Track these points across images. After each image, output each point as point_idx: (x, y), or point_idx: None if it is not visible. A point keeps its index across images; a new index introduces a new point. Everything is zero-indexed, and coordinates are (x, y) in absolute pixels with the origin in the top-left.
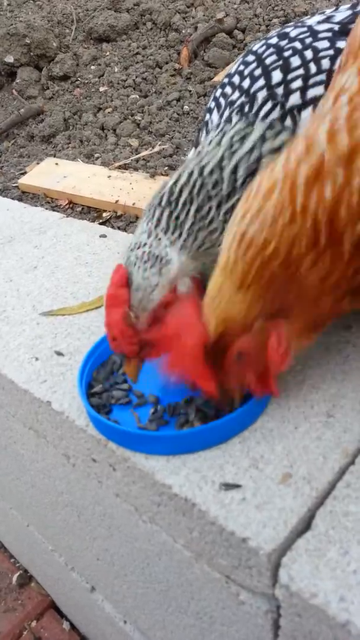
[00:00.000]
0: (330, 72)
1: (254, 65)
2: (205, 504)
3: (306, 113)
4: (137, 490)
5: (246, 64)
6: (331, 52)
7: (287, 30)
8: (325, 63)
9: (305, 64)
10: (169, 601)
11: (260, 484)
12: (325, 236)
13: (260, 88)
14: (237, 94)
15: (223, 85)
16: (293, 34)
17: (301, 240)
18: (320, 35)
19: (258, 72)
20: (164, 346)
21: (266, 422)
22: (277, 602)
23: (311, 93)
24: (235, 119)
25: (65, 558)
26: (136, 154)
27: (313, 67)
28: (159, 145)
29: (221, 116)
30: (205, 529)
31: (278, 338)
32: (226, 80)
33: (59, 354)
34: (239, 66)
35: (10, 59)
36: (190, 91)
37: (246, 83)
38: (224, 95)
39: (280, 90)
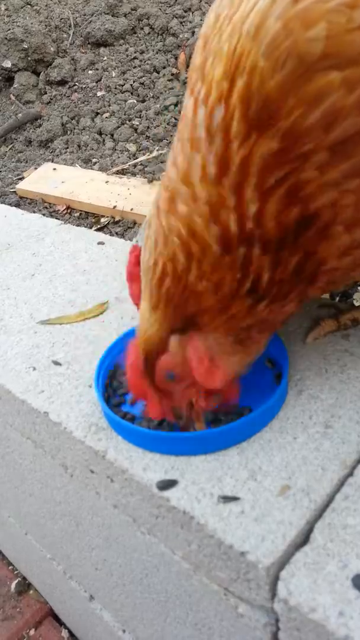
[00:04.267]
0: None
1: None
2: (204, 516)
3: None
4: (135, 502)
5: None
6: None
7: None
8: None
9: None
10: (168, 611)
11: (258, 497)
12: (195, 246)
13: None
14: None
15: None
16: None
17: (178, 255)
18: None
19: None
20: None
21: (264, 432)
22: (275, 616)
23: None
24: None
25: (64, 567)
26: (134, 159)
27: None
28: (157, 150)
29: None
30: (203, 541)
31: (195, 350)
32: None
33: (57, 363)
34: None
35: (7, 63)
36: None
37: None
38: None
39: None
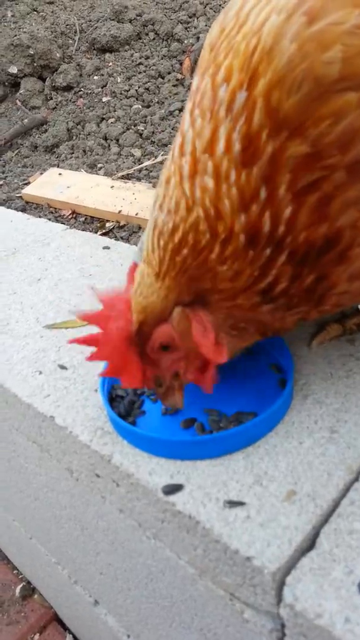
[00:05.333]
0: None
1: None
2: (209, 521)
3: None
4: (141, 506)
5: None
6: None
7: None
8: None
9: None
10: (173, 617)
11: (264, 502)
12: (221, 228)
13: None
14: None
15: None
16: None
17: (202, 228)
18: None
19: None
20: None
21: (270, 437)
22: (281, 621)
23: None
24: None
25: (69, 571)
26: (139, 164)
27: None
28: (162, 155)
29: None
30: (209, 546)
31: (201, 323)
32: None
33: (63, 367)
34: None
35: (14, 69)
36: None
37: None
38: None
39: None
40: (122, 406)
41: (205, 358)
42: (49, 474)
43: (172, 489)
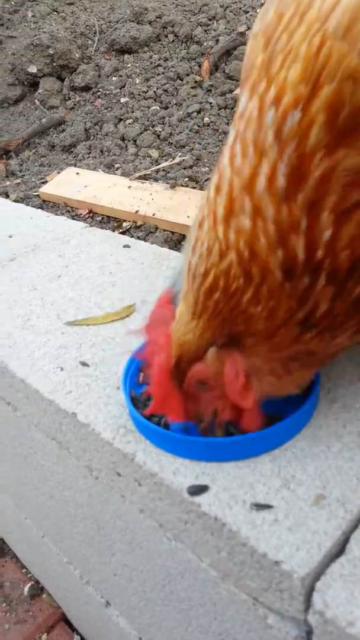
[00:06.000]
0: None
1: None
2: (236, 524)
3: None
4: (164, 506)
5: None
6: None
7: None
8: None
9: None
10: (190, 620)
11: (292, 505)
12: (255, 270)
13: None
14: None
15: None
16: None
17: (234, 273)
18: None
19: None
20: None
21: (297, 440)
22: (308, 628)
23: None
24: None
25: (81, 571)
26: (156, 165)
27: None
28: (179, 156)
29: None
30: (235, 549)
31: (233, 367)
32: None
33: (84, 364)
34: None
35: (33, 69)
36: (211, 103)
37: None
38: None
39: None
40: (147, 407)
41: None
42: (67, 471)
43: (198, 489)
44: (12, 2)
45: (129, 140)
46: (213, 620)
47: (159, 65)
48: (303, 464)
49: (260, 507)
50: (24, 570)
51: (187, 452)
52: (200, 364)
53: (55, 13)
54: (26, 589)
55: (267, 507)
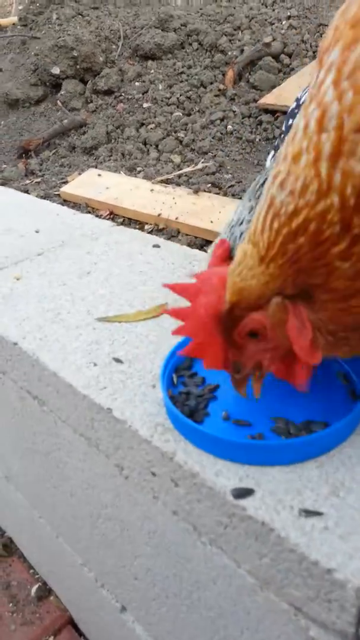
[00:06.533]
0: None
1: None
2: (285, 529)
3: None
4: (202, 509)
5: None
6: None
7: None
8: None
9: None
10: (217, 629)
11: (343, 513)
12: (357, 219)
13: None
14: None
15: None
16: None
17: (332, 218)
18: None
19: None
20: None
21: (344, 447)
22: None
23: None
24: None
25: (96, 574)
26: (178, 170)
27: None
28: (202, 162)
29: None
30: (281, 556)
31: (300, 319)
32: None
33: (118, 361)
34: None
35: (56, 70)
36: (234, 111)
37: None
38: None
39: None
40: (187, 407)
41: (296, 356)
42: (94, 469)
43: (243, 492)
44: (37, 4)
45: (151, 145)
46: (245, 630)
47: (182, 72)
48: (352, 472)
49: (310, 513)
50: (31, 571)
51: (231, 454)
52: (259, 312)
53: (80, 16)
54: (33, 590)
55: (317, 513)
